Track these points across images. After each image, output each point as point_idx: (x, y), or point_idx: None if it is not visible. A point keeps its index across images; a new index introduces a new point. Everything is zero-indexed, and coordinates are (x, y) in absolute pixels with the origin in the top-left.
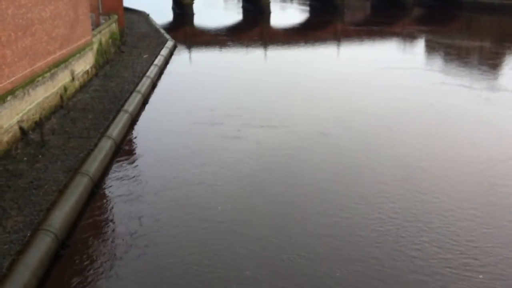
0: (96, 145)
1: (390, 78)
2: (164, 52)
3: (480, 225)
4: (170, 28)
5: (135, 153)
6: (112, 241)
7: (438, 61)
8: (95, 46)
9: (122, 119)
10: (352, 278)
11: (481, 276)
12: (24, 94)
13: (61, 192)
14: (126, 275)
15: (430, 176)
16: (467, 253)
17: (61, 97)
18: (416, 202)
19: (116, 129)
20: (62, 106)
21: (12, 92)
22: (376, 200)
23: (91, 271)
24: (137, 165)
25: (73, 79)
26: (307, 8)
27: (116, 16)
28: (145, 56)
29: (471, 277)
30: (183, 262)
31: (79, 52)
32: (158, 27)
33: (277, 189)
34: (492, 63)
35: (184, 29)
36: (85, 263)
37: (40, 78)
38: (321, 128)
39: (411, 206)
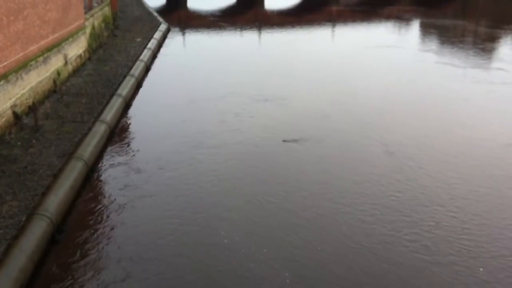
0: (90, 129)
1: (382, 59)
2: (157, 35)
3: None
4: (163, 11)
5: (129, 136)
6: (108, 226)
7: (431, 42)
8: (88, 30)
9: (116, 103)
10: None
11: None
12: (17, 78)
13: (56, 176)
14: (122, 259)
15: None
16: None
17: (54, 81)
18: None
19: (110, 113)
20: (56, 90)
21: (4, 76)
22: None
23: (87, 256)
24: (131, 148)
25: (66, 63)
26: None
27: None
28: (138, 39)
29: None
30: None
31: (72, 36)
32: (151, 10)
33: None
34: (484, 43)
35: (177, 12)
36: (81, 248)
37: (33, 62)
38: (315, 108)
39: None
